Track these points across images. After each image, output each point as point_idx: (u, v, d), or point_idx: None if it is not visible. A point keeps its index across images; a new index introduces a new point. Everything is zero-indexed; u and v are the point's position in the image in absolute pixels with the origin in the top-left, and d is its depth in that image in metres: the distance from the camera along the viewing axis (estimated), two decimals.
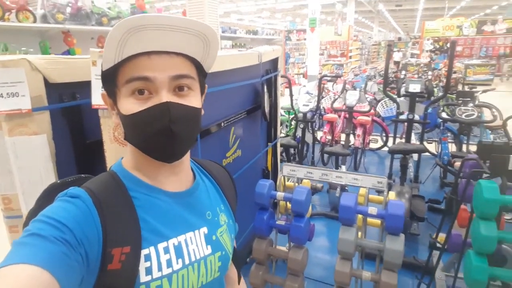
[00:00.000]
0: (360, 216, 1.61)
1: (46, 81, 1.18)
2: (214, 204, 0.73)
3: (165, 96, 0.57)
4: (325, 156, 4.42)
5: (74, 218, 0.52)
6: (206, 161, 0.82)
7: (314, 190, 3.62)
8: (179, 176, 0.67)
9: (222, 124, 1.85)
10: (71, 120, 1.27)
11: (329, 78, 5.79)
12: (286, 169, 1.72)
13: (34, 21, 3.56)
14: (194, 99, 0.61)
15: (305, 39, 11.46)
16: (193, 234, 0.65)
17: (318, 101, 4.02)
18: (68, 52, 3.97)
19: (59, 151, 1.23)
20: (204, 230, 0.68)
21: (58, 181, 0.65)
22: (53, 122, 1.21)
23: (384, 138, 5.04)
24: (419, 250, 2.57)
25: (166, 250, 0.60)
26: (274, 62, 2.53)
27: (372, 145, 5.17)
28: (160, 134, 0.58)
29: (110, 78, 0.59)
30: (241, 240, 2.19)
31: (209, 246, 0.67)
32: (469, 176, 1.53)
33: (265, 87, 2.30)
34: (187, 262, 0.62)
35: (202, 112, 0.66)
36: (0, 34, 3.55)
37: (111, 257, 0.54)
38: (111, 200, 0.58)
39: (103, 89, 0.65)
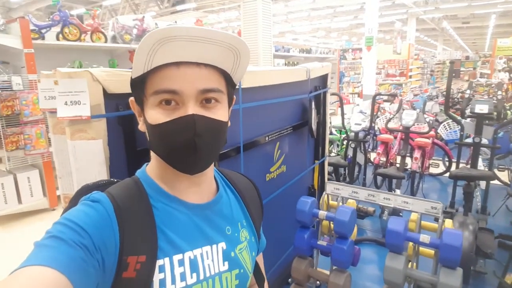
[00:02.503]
0: (411, 244, 1.47)
1: (104, 92, 1.27)
2: (235, 219, 0.71)
3: (192, 109, 0.57)
4: (379, 179, 4.19)
5: (93, 223, 0.52)
6: (233, 172, 0.80)
7: (365, 214, 3.41)
8: (201, 188, 0.66)
9: (267, 138, 1.84)
10: (124, 128, 1.35)
11: (384, 97, 5.55)
12: (330, 187, 1.64)
13: (105, 41, 3.95)
14: (220, 112, 0.61)
15: (361, 58, 11.20)
16: (210, 248, 0.63)
17: (371, 120, 3.85)
18: None
19: (113, 156, 1.31)
20: (223, 245, 0.65)
21: (91, 183, 0.66)
22: (109, 129, 1.30)
23: (447, 163, 4.63)
24: None
25: (181, 263, 0.59)
26: (323, 78, 2.49)
27: (433, 170, 4.78)
28: (184, 146, 0.57)
29: (139, 86, 0.59)
30: (284, 258, 2.12)
31: (226, 263, 0.65)
32: None
33: (313, 103, 2.26)
34: (201, 277, 0.60)
35: (229, 124, 0.65)
36: (76, 52, 4.00)
37: (127, 265, 0.54)
38: (132, 208, 0.58)
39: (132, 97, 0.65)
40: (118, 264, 0.53)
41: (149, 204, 0.59)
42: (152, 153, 0.65)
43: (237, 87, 1.55)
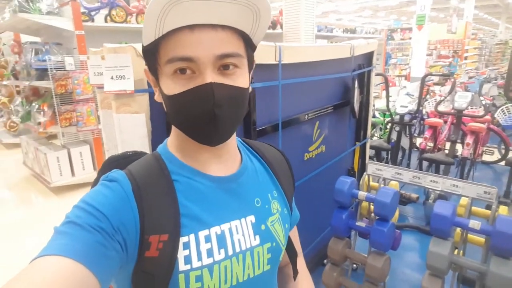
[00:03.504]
0: (458, 230, 1.37)
1: None
2: (264, 190, 0.67)
3: (210, 76, 0.52)
4: (425, 165, 3.96)
5: (110, 204, 0.51)
6: (259, 143, 0.76)
7: (407, 200, 3.26)
8: (223, 159, 0.63)
9: (306, 116, 1.80)
10: None
11: (435, 80, 5.18)
12: (372, 168, 1.57)
13: None
14: (241, 78, 0.56)
15: (410, 38, 10.50)
16: (239, 222, 0.61)
17: (419, 103, 3.62)
18: None
19: (154, 129, 1.35)
20: (252, 218, 0.63)
21: (117, 154, 0.65)
22: (151, 103, 1.33)
23: (503, 151, 4.26)
24: None
25: (207, 239, 0.56)
26: (369, 56, 2.36)
27: (487, 158, 4.43)
28: (203, 117, 0.54)
29: (151, 54, 0.55)
30: (320, 238, 2.10)
31: (257, 236, 0.62)
32: None
33: (356, 82, 2.15)
34: (230, 252, 0.58)
35: (250, 89, 0.61)
36: (122, 34, 4.15)
37: (149, 244, 0.52)
38: (152, 185, 0.56)
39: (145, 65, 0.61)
40: (140, 243, 0.52)
41: (170, 180, 0.57)
42: (173, 127, 0.62)
43: (276, 62, 1.52)
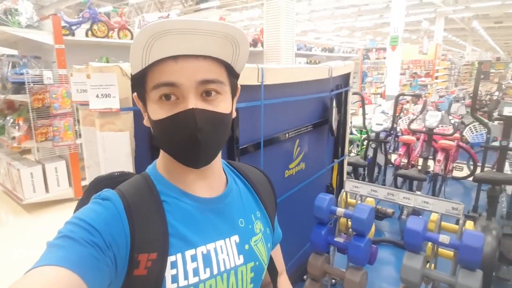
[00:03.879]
0: (430, 244, 1.45)
1: None
2: (248, 210, 0.70)
3: (192, 102, 0.55)
4: (399, 180, 4.12)
5: (104, 222, 0.52)
6: (243, 165, 0.79)
7: (383, 215, 3.37)
8: (209, 180, 0.65)
9: (287, 135, 1.86)
10: None
11: (408, 98, 5.44)
12: (349, 185, 1.65)
13: (131, 38, 4.07)
14: (222, 104, 0.59)
15: (385, 58, 10.97)
16: (224, 242, 0.63)
17: (394, 121, 3.79)
18: None
19: (138, 147, 1.36)
20: (236, 238, 0.65)
21: (104, 174, 0.66)
22: (135, 122, 1.35)
23: (471, 167, 4.49)
24: None
25: (194, 258, 0.58)
26: (346, 77, 2.48)
27: (457, 174, 4.65)
28: (186, 141, 0.57)
29: (139, 82, 0.58)
30: (300, 254, 2.14)
31: (241, 256, 0.64)
32: None
33: (334, 102, 2.26)
34: (215, 271, 0.60)
35: (234, 115, 0.64)
36: (104, 49, 4.14)
37: (137, 262, 0.54)
38: (142, 205, 0.57)
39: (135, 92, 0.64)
40: (129, 262, 0.53)
41: (159, 200, 0.59)
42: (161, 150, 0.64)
43: (258, 83, 1.58)
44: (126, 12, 4.36)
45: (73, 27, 3.72)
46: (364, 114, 3.87)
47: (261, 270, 0.68)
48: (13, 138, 3.54)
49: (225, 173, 0.70)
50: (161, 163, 0.64)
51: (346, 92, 2.47)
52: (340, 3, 11.68)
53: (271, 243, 0.74)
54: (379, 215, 3.37)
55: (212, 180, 0.66)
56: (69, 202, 3.86)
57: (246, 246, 0.66)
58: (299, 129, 1.98)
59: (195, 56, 0.56)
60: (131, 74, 0.60)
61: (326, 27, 16.63)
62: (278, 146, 1.84)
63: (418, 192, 3.36)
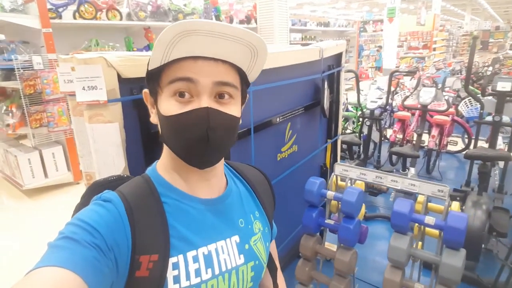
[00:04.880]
0: (417, 225, 1.50)
1: (119, 76, 1.32)
2: (247, 211, 0.71)
3: (206, 101, 0.57)
4: (394, 157, 4.16)
5: (105, 223, 0.53)
6: (243, 165, 0.80)
7: (378, 191, 3.45)
8: (210, 182, 0.66)
9: (278, 119, 1.87)
10: (139, 111, 1.41)
11: (403, 73, 5.39)
12: (339, 169, 1.67)
13: (121, 19, 3.97)
14: (234, 108, 0.61)
15: (382, 30, 10.76)
16: (225, 242, 0.64)
17: (388, 98, 3.78)
18: (148, 47, 4.34)
19: (129, 138, 1.37)
20: (236, 238, 0.66)
21: (101, 180, 0.67)
22: (124, 112, 1.35)
23: (466, 140, 4.53)
24: (496, 269, 2.30)
25: (195, 259, 0.59)
26: (338, 57, 2.45)
27: (451, 148, 4.70)
28: (197, 139, 0.57)
29: (155, 77, 0.60)
30: (294, 234, 2.20)
31: (241, 256, 0.65)
32: None
33: (326, 83, 2.24)
34: (217, 272, 0.61)
35: (240, 121, 0.65)
36: (92, 31, 4.05)
37: (139, 264, 0.54)
38: (143, 206, 0.58)
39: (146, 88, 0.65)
40: (131, 263, 0.54)
41: (160, 202, 0.60)
42: (164, 147, 0.65)
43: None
44: None
45: (60, 9, 3.62)
46: (358, 91, 3.85)
47: (261, 269, 0.70)
48: (8, 125, 3.53)
49: (225, 175, 0.71)
50: (163, 164, 0.65)
51: (339, 73, 2.45)
52: None
53: (269, 241, 0.76)
54: (374, 192, 3.45)
55: (214, 182, 0.67)
56: (69, 186, 3.92)
57: (246, 246, 0.67)
58: (290, 112, 1.99)
59: (214, 59, 0.57)
60: (147, 69, 0.61)
61: None
62: (269, 131, 1.85)
63: (412, 170, 3.42)
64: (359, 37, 11.93)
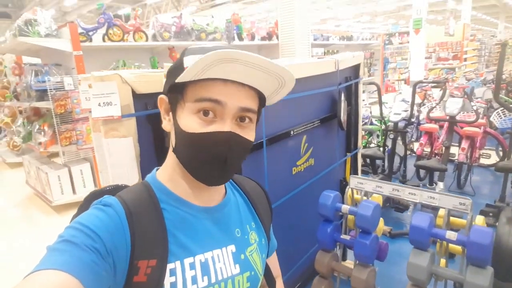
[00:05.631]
0: (439, 240, 1.40)
1: (133, 92, 1.36)
2: (244, 221, 0.72)
3: (229, 125, 0.58)
4: (422, 171, 3.98)
5: (105, 227, 0.53)
6: (240, 177, 0.81)
7: (404, 207, 3.29)
8: (210, 192, 0.67)
9: (292, 132, 1.85)
10: (153, 125, 1.44)
11: (429, 85, 5.22)
12: (354, 181, 1.62)
13: (146, 40, 4.15)
14: (251, 132, 0.63)
15: (408, 42, 10.55)
16: (221, 251, 0.64)
17: (412, 110, 3.65)
18: None
19: (143, 152, 1.40)
20: (232, 248, 0.66)
21: (98, 189, 0.68)
22: (139, 127, 1.39)
23: (501, 153, 4.26)
24: None
25: (192, 266, 0.59)
26: (355, 68, 2.42)
27: (484, 161, 4.43)
28: (214, 160, 0.59)
29: (179, 89, 0.60)
30: (313, 251, 2.13)
31: (237, 265, 0.65)
32: None
33: (343, 94, 2.21)
34: (213, 280, 0.61)
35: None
36: (120, 52, 4.25)
37: (137, 269, 0.54)
38: (142, 212, 0.58)
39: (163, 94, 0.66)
40: (129, 268, 0.54)
41: (159, 208, 0.60)
42: (169, 156, 0.66)
43: None
44: (142, 13, 4.44)
45: (90, 33, 3.84)
46: (380, 104, 3.76)
47: (257, 280, 0.70)
48: (40, 143, 3.73)
49: (224, 185, 0.72)
50: (163, 172, 0.66)
51: (357, 84, 2.41)
52: None
53: (266, 253, 0.76)
54: (400, 208, 3.29)
55: (213, 191, 0.68)
56: None
57: (242, 256, 0.67)
58: (306, 125, 1.96)
59: (242, 84, 0.59)
60: (173, 81, 0.60)
61: (346, 13, 16.18)
62: (283, 144, 1.83)
63: (440, 184, 3.25)
64: (384, 49, 11.74)
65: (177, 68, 0.61)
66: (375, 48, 10.85)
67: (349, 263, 1.73)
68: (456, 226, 1.44)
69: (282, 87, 0.63)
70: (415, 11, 8.58)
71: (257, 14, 14.70)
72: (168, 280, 0.56)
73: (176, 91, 0.61)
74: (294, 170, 1.95)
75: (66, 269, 0.45)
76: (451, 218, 1.42)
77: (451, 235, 1.24)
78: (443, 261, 1.44)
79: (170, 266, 0.57)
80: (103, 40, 3.94)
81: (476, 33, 16.42)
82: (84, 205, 0.64)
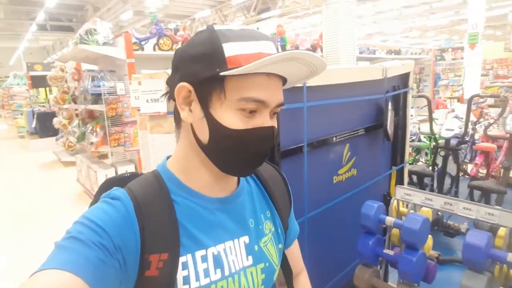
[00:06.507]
0: (498, 264, 1.25)
1: None
2: (258, 210, 0.69)
3: (269, 120, 0.58)
4: (476, 194, 3.65)
5: (113, 223, 0.51)
6: None
7: (455, 232, 3.02)
8: (224, 183, 0.64)
9: (335, 138, 1.78)
10: None
11: (486, 102, 4.84)
12: (400, 192, 1.51)
13: None
14: (276, 123, 0.62)
15: (462, 58, 9.96)
16: (233, 243, 0.62)
17: (466, 126, 3.40)
18: None
19: None
20: (245, 239, 0.64)
21: (115, 176, 0.66)
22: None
23: None
24: None
25: (204, 259, 0.58)
26: (404, 77, 2.30)
27: None
28: (256, 154, 0.59)
29: (219, 81, 0.55)
30: (353, 266, 2.01)
31: (250, 257, 0.64)
32: None
33: (390, 104, 2.10)
34: (226, 273, 0.59)
35: None
36: (169, 60, 4.44)
37: (149, 263, 0.53)
38: (152, 204, 0.56)
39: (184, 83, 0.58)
40: (141, 263, 0.53)
41: (170, 199, 0.58)
42: (183, 147, 0.62)
43: (301, 84, 1.55)
44: (191, 25, 4.64)
45: (143, 43, 4.08)
46: (431, 118, 3.54)
47: (272, 272, 0.67)
48: (91, 143, 3.98)
49: None
50: (175, 162, 0.63)
51: (405, 94, 2.29)
52: (409, 2, 10.95)
53: (283, 243, 0.73)
54: (450, 231, 3.03)
55: (226, 182, 0.65)
56: None
57: (256, 247, 0.65)
58: (349, 133, 1.89)
59: (279, 76, 0.59)
60: (212, 71, 0.54)
61: (394, 28, 15.73)
62: (324, 150, 1.77)
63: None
64: (435, 65, 11.19)
65: (212, 55, 0.54)
66: (425, 63, 10.36)
67: (391, 285, 1.60)
68: None
69: (313, 74, 0.62)
70: (470, 25, 8.11)
71: (302, 28, 14.78)
72: (180, 274, 0.55)
73: (213, 82, 0.55)
74: (335, 179, 1.87)
75: (70, 268, 0.44)
76: None
77: None
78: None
79: (182, 259, 0.55)
80: (154, 49, 4.16)
81: None
82: (100, 192, 0.61)
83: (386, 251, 1.46)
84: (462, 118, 4.14)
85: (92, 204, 0.59)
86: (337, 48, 5.36)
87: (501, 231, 1.22)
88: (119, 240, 0.50)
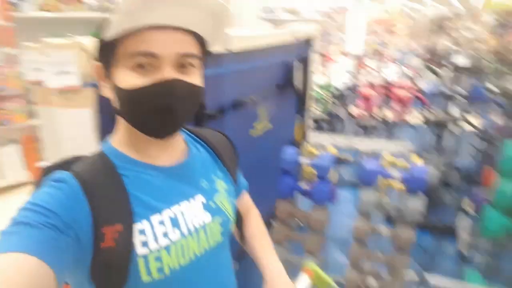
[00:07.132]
0: (383, 179, 1.66)
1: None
2: (209, 171, 0.72)
3: (169, 73, 0.56)
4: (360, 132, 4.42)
5: (58, 202, 0.52)
6: (203, 129, 0.81)
7: (343, 162, 3.68)
8: (169, 150, 0.66)
9: (251, 98, 1.95)
10: None
11: (369, 54, 5.68)
12: (312, 137, 1.81)
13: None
14: (196, 77, 0.61)
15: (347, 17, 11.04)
16: (189, 203, 0.65)
17: (354, 78, 4.02)
18: None
19: (103, 123, 1.36)
20: (200, 198, 0.67)
21: (54, 162, 0.63)
22: (99, 97, 1.34)
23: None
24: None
25: (161, 222, 0.60)
26: (309, 40, 2.57)
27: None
28: (160, 111, 0.57)
29: (109, 48, 0.57)
30: (267, 203, 2.31)
31: (208, 213, 0.67)
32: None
33: (298, 63, 2.36)
34: (185, 231, 0.62)
35: (203, 91, 0.65)
36: (58, 25, 3.88)
37: (103, 235, 0.54)
38: (99, 180, 0.57)
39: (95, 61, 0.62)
40: (95, 236, 0.53)
41: (117, 174, 0.59)
42: (120, 122, 0.64)
43: (221, 51, 1.62)
44: None
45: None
46: (327, 73, 4.04)
47: (229, 223, 0.73)
48: None
49: (186, 142, 0.72)
50: (120, 138, 0.64)
51: (310, 54, 2.58)
52: None
53: (235, 197, 0.79)
54: (339, 162, 3.70)
55: (172, 150, 0.67)
56: (27, 185, 3.68)
57: (212, 204, 0.69)
58: (263, 91, 2.07)
59: (173, 28, 0.56)
60: (100, 40, 0.58)
61: None
62: (243, 110, 1.93)
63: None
64: (325, 24, 12.13)
65: (100, 26, 0.56)
66: (319, 22, 11.16)
67: (306, 211, 1.94)
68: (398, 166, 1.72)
69: (218, 22, 0.60)
70: None
71: None
72: (138, 239, 0.57)
73: (107, 51, 0.57)
74: (253, 133, 2.06)
75: (21, 249, 0.44)
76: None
77: (395, 172, 1.50)
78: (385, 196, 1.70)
79: (138, 226, 0.57)
80: (36, 10, 3.57)
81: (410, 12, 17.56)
82: (42, 180, 0.60)
83: (301, 184, 1.77)
84: (349, 71, 4.80)
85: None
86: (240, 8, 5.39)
87: (386, 156, 1.63)
88: (68, 217, 0.51)
